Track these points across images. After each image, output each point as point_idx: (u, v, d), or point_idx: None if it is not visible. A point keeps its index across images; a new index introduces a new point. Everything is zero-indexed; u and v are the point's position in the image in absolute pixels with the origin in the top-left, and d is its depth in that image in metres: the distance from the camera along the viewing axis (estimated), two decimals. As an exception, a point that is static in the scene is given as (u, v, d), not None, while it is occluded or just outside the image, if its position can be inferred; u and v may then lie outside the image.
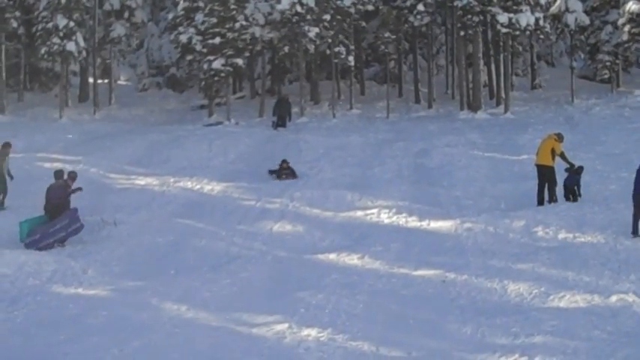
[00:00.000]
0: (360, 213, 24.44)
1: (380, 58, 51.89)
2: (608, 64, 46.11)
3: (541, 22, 42.45)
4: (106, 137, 38.19)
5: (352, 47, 44.90)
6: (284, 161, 29.78)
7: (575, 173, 23.92)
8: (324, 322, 15.24)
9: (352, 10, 44.36)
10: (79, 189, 23.15)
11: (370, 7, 46.40)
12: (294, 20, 42.70)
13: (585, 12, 45.19)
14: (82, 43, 44.76)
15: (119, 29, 49.64)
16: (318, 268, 19.34)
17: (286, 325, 15.10)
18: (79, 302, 17.36)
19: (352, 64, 44.80)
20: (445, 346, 14.05)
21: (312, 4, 42.23)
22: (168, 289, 18.04)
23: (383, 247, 20.75)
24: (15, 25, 46.17)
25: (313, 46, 43.79)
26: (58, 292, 18.26)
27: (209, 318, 16.01)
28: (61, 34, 43.82)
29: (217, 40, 42.12)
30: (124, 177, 30.10)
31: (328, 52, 44.93)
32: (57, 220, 22.24)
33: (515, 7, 41.73)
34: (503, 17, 41.63)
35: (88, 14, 47.87)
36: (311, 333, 14.67)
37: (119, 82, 56.73)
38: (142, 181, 29.31)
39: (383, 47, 46.52)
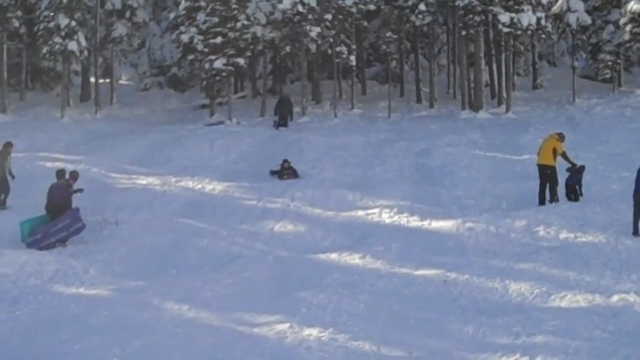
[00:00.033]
0: (361, 213, 24.44)
1: (381, 57, 51.99)
2: (609, 63, 46.17)
3: (543, 22, 42.48)
4: (108, 137, 38.21)
5: (354, 47, 44.91)
6: (285, 161, 29.77)
7: (576, 172, 23.92)
8: (325, 322, 15.23)
9: (354, 10, 44.37)
10: (80, 190, 23.15)
11: (372, 7, 46.45)
12: (295, 20, 42.71)
13: (587, 11, 45.19)
14: (83, 43, 44.79)
15: (121, 29, 49.70)
16: (320, 267, 19.34)
17: (288, 324, 15.09)
18: (80, 302, 17.36)
19: (354, 63, 44.84)
20: (446, 346, 14.05)
21: (313, 3, 42.24)
22: (169, 288, 18.04)
23: (384, 247, 20.74)
24: (17, 24, 46.24)
25: (315, 46, 43.82)
26: (60, 291, 18.26)
27: (210, 318, 16.01)
28: (63, 33, 43.86)
29: (219, 39, 42.14)
30: (125, 176, 30.10)
31: (330, 51, 44.98)
32: (59, 219, 22.24)
33: (516, 7, 41.75)
34: (504, 17, 41.64)
35: (89, 14, 47.93)
36: (312, 333, 14.66)
37: (121, 81, 56.78)
38: (143, 181, 29.32)
39: (384, 47, 46.60)
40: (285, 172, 29.34)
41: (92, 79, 50.07)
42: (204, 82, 43.87)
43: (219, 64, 42.07)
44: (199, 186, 28.51)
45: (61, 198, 22.69)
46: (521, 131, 36.17)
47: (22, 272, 19.22)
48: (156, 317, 15.97)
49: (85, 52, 45.63)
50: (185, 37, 43.17)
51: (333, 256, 20.26)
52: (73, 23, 44.17)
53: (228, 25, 42.47)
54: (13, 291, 18.16)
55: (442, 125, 39.65)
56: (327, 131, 38.80)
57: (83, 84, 51.92)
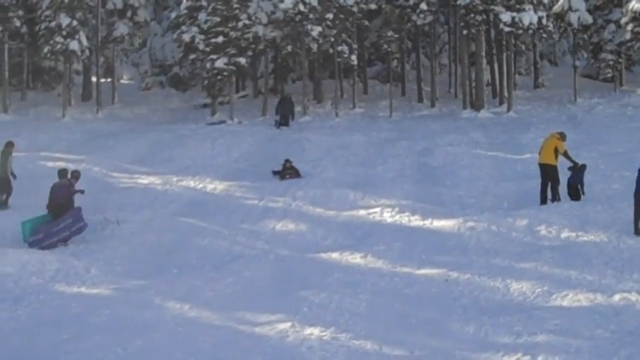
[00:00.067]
0: (362, 212, 24.44)
1: (383, 56, 52.01)
2: (611, 62, 46.16)
3: (544, 21, 42.47)
4: (109, 136, 38.22)
5: (355, 46, 44.87)
6: (287, 161, 29.75)
7: (578, 171, 23.91)
8: (326, 321, 15.23)
9: (355, 9, 44.33)
10: (81, 191, 23.16)
11: (373, 6, 46.46)
12: (297, 19, 42.68)
13: (588, 11, 45.20)
14: (84, 42, 44.79)
15: (122, 28, 49.68)
16: (321, 267, 19.34)
17: (289, 323, 15.09)
18: (81, 301, 17.37)
19: (355, 63, 44.81)
20: (448, 345, 14.04)
21: (314, 3, 42.21)
22: (171, 288, 18.05)
23: (386, 246, 20.74)
24: (18, 24, 46.19)
25: (316, 45, 43.83)
26: (61, 291, 18.27)
27: (212, 317, 16.01)
28: (64, 33, 43.86)
29: (220, 39, 42.14)
30: (126, 176, 30.11)
31: (331, 51, 44.93)
32: (61, 219, 22.26)
33: (518, 6, 41.72)
34: (506, 16, 41.62)
35: (90, 13, 47.95)
36: (314, 332, 14.66)
37: (122, 81, 56.71)
38: (144, 180, 29.33)
39: (386, 46, 46.63)
40: (287, 171, 29.34)
41: (93, 79, 50.01)
42: (206, 82, 43.90)
43: (220, 63, 42.08)
44: (201, 185, 28.52)
45: (63, 197, 22.72)
46: (522, 130, 36.19)
47: (24, 271, 19.23)
48: (157, 316, 15.97)
49: (87, 52, 45.62)
50: (186, 37, 43.18)
51: (335, 255, 20.26)
52: (75, 23, 44.16)
53: (230, 25, 42.47)
54: (15, 290, 18.17)
55: (443, 124, 39.65)
56: (329, 130, 38.80)
57: (84, 83, 51.87)
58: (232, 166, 31.85)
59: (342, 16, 43.74)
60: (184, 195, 27.45)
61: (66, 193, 22.85)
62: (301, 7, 42.08)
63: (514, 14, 41.59)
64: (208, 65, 42.39)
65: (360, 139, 35.96)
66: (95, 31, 48.49)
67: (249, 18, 43.06)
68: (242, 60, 42.78)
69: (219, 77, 42.73)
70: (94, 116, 44.88)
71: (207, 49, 42.43)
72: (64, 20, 43.83)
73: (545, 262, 18.42)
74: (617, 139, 32.84)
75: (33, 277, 19.00)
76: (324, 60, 49.14)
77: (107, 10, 49.73)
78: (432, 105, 45.92)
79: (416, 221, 23.17)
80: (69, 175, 23.50)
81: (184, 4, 44.34)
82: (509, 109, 42.21)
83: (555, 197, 23.62)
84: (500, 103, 44.64)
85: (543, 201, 23.58)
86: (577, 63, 46.59)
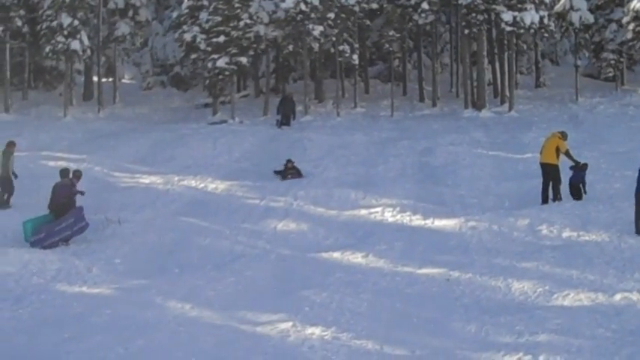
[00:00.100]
0: (364, 211, 24.44)
1: (384, 56, 52.01)
2: (612, 62, 46.13)
3: (545, 21, 42.46)
4: (111, 136, 38.23)
5: (356, 46, 44.88)
6: (289, 161, 29.73)
7: (579, 170, 23.89)
8: (328, 321, 15.22)
9: (356, 9, 44.32)
10: (81, 192, 23.17)
11: (374, 6, 46.46)
12: (298, 19, 42.69)
13: (590, 10, 45.18)
14: (86, 42, 44.82)
15: (123, 28, 49.71)
16: (322, 266, 19.34)
17: (290, 323, 15.08)
18: (83, 301, 17.38)
19: (356, 62, 44.84)
20: (449, 345, 14.04)
21: (316, 2, 42.21)
22: (172, 287, 18.05)
23: (387, 246, 20.74)
24: (19, 23, 46.19)
25: (317, 45, 43.85)
26: (63, 290, 18.28)
27: (213, 316, 16.01)
28: (66, 32, 43.88)
29: (222, 38, 42.14)
30: (128, 175, 30.13)
31: (332, 50, 44.92)
32: (62, 218, 22.29)
33: (519, 6, 41.71)
34: (507, 15, 41.60)
35: (92, 13, 47.96)
36: (315, 331, 14.66)
37: (123, 80, 56.69)
38: (146, 180, 29.34)
39: (387, 46, 46.63)
40: (289, 171, 29.33)
41: (95, 78, 50.03)
42: (207, 81, 43.91)
43: (221, 63, 42.09)
44: (202, 185, 28.54)
45: (64, 197, 22.75)
46: (523, 130, 36.19)
47: (25, 271, 19.24)
48: (158, 316, 15.97)
49: (88, 51, 45.65)
50: (188, 36, 43.17)
51: (336, 254, 20.26)
52: (76, 22, 44.18)
53: (231, 24, 42.47)
54: (16, 290, 18.17)
55: (445, 124, 39.65)
56: (330, 130, 38.80)
57: (86, 83, 51.89)
58: (233, 165, 31.86)
59: (343, 15, 43.74)
60: (186, 194, 27.46)
61: (67, 192, 22.88)
62: (303, 7, 42.08)
63: (515, 14, 41.57)
64: (210, 65, 42.40)
65: (362, 139, 35.96)
66: (96, 31, 48.51)
67: (250, 17, 43.06)
68: (243, 59, 42.78)
69: (220, 77, 42.75)
70: (95, 116, 44.88)
71: (209, 49, 42.43)
72: (66, 20, 43.85)
73: (547, 262, 18.41)
74: (619, 139, 32.83)
75: (34, 276, 19.00)
76: (326, 59, 49.13)
77: (108, 9, 49.75)
78: (434, 104, 45.91)
79: (417, 221, 23.17)
80: (70, 175, 23.52)
81: (186, 3, 44.32)
82: (510, 109, 42.21)
83: (557, 197, 23.62)
84: (502, 102, 44.65)
85: (545, 200, 23.58)
86: (578, 62, 46.63)
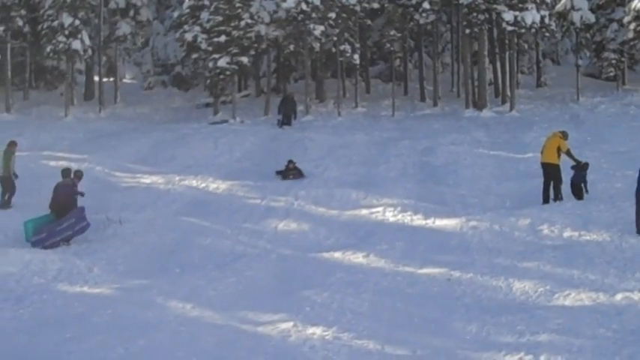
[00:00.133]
0: (365, 211, 24.44)
1: (385, 56, 52.04)
2: (613, 62, 46.11)
3: (546, 20, 42.44)
4: (112, 135, 38.24)
5: (357, 45, 44.89)
6: (290, 161, 29.70)
7: (581, 170, 23.89)
8: (329, 321, 15.22)
9: (357, 8, 44.33)
10: (82, 193, 23.17)
11: (375, 5, 46.50)
12: (299, 18, 42.69)
13: (591, 10, 45.16)
14: (87, 42, 44.82)
15: (124, 27, 49.72)
16: (323, 266, 19.34)
17: (291, 323, 15.08)
18: (84, 301, 17.38)
19: (357, 62, 44.83)
20: (450, 345, 14.04)
21: (317, 2, 42.20)
22: (173, 287, 18.05)
23: (388, 246, 20.74)
24: (20, 23, 46.22)
25: (318, 45, 43.84)
26: (64, 290, 18.28)
27: (214, 316, 16.01)
28: (67, 32, 43.88)
29: (223, 38, 42.14)
30: (129, 175, 30.14)
31: (334, 50, 44.91)
32: (64, 218, 22.29)
33: (520, 5, 41.71)
34: (508, 15, 41.60)
35: (93, 12, 47.93)
36: (316, 331, 14.65)
37: (124, 80, 56.75)
38: (147, 180, 29.35)
39: (388, 45, 46.66)
40: (291, 172, 29.30)
41: (96, 78, 50.06)
42: (208, 81, 43.91)
43: (223, 62, 42.08)
44: (203, 185, 28.54)
45: (66, 197, 22.75)
46: (525, 129, 36.19)
47: (26, 271, 19.23)
48: (159, 316, 15.97)
49: (89, 51, 45.66)
50: (189, 36, 43.15)
51: (337, 254, 20.26)
52: (77, 22, 44.18)
53: (232, 24, 42.47)
54: (17, 290, 18.17)
55: (446, 124, 39.65)
56: (331, 130, 38.80)
57: (87, 83, 51.92)
58: (235, 165, 31.87)
59: (344, 15, 43.73)
60: (187, 194, 27.46)
61: (69, 192, 22.88)
62: (304, 7, 42.07)
63: (517, 13, 41.57)
64: (211, 64, 42.39)
65: (363, 139, 35.96)
66: (98, 31, 48.52)
67: (251, 17, 43.05)
68: (244, 59, 42.78)
69: (221, 76, 42.75)
70: (96, 116, 44.89)
71: (210, 49, 42.43)
72: (67, 19, 43.86)
73: (548, 262, 18.40)
74: (620, 138, 32.83)
75: (35, 276, 19.00)
76: (327, 59, 49.13)
77: (109, 9, 49.77)
78: (435, 104, 45.90)
79: (418, 220, 23.18)
80: (72, 175, 23.53)
81: (187, 3, 44.27)
82: (511, 108, 42.20)
83: (558, 196, 23.62)
84: (503, 102, 44.65)
85: (546, 200, 23.58)
86: (579, 62, 46.62)
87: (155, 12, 57.44)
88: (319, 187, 27.51)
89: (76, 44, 43.94)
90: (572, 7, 44.02)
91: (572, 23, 44.49)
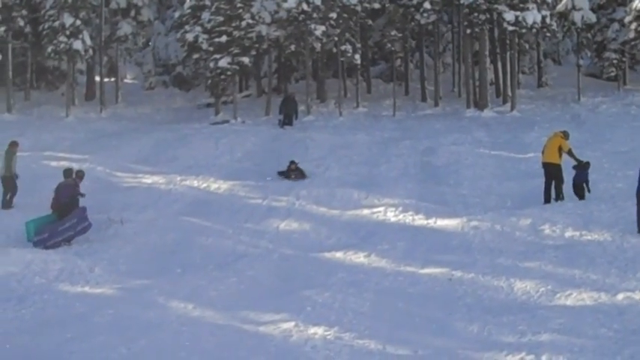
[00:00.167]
0: (366, 211, 24.44)
1: (386, 56, 52.05)
2: (614, 61, 46.11)
3: (547, 20, 42.43)
4: (113, 136, 38.25)
5: (358, 45, 44.90)
6: (292, 162, 29.65)
7: (582, 169, 23.88)
8: (330, 321, 15.22)
9: (359, 8, 44.33)
10: (82, 194, 23.17)
11: (376, 5, 46.50)
12: (300, 18, 42.70)
13: (592, 10, 45.19)
14: (88, 42, 44.86)
15: (126, 28, 49.75)
16: (325, 266, 19.34)
17: (293, 323, 15.08)
18: (85, 301, 17.38)
19: (358, 62, 44.82)
20: (451, 345, 14.03)
21: (318, 2, 42.21)
22: (174, 287, 18.05)
23: (389, 246, 20.74)
24: (21, 23, 46.24)
25: (319, 45, 43.85)
26: (65, 290, 18.28)
27: (215, 316, 16.01)
28: (68, 32, 43.92)
29: (224, 38, 42.15)
30: (130, 175, 30.14)
31: (335, 50, 44.91)
32: (66, 218, 22.31)
33: (521, 5, 41.72)
34: (509, 15, 41.61)
35: (94, 13, 48.00)
36: (318, 331, 14.65)
37: (126, 80, 56.79)
38: (148, 180, 29.35)
39: (389, 45, 46.65)
40: (293, 173, 29.25)
41: (97, 78, 50.12)
42: (209, 81, 43.92)
43: (224, 62, 42.09)
44: (204, 185, 28.54)
45: (68, 197, 22.75)
46: (526, 129, 36.19)
47: (28, 271, 19.24)
48: (161, 316, 15.97)
49: (90, 51, 45.71)
50: (190, 36, 43.16)
51: (339, 254, 20.26)
52: (78, 22, 44.23)
53: (233, 24, 42.48)
54: (19, 290, 18.18)
55: (447, 124, 39.65)
56: (332, 130, 38.80)
57: (88, 83, 51.98)
58: (236, 165, 31.87)
59: (345, 15, 43.75)
60: (188, 194, 27.46)
61: (71, 192, 22.89)
62: (305, 7, 42.08)
63: (518, 13, 41.59)
64: (212, 65, 42.40)
65: (364, 139, 35.96)
66: (99, 31, 48.56)
67: (252, 17, 43.08)
68: (245, 59, 42.78)
69: (222, 77, 42.76)
70: (97, 116, 44.91)
71: (211, 49, 42.44)
72: (68, 20, 43.89)
73: (549, 262, 18.40)
74: (621, 138, 32.83)
75: (37, 276, 19.01)
76: (328, 59, 49.15)
77: (111, 9, 49.82)
78: (436, 104, 45.90)
79: (419, 220, 23.18)
80: (74, 175, 23.54)
81: (188, 3, 44.29)
82: (512, 108, 42.20)
83: (559, 196, 23.61)
84: (504, 102, 44.66)
85: (547, 200, 23.58)
86: (581, 62, 46.62)
87: (156, 12, 57.47)
88: (321, 187, 27.51)
89: (77, 44, 43.97)
90: (574, 7, 44.02)
91: (574, 23, 44.49)
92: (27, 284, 18.52)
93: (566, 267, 17.94)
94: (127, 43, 50.98)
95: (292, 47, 45.49)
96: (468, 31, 43.76)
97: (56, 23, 44.25)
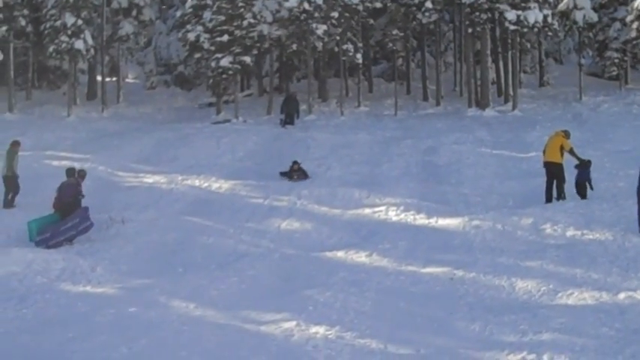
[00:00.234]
0: (368, 210, 24.44)
1: (388, 55, 52.04)
2: (616, 61, 46.11)
3: (549, 19, 42.42)
4: (114, 135, 38.27)
5: (360, 45, 44.94)
6: (295, 162, 29.59)
7: (584, 168, 23.86)
8: (332, 320, 15.21)
9: (360, 8, 44.37)
10: (82, 195, 23.17)
11: (378, 5, 46.52)
12: (302, 18, 42.72)
13: (594, 9, 45.19)
14: (90, 41, 44.89)
15: (127, 27, 49.79)
16: (326, 265, 19.33)
17: (294, 322, 15.07)
18: (87, 300, 17.37)
19: (360, 61, 44.83)
20: (453, 344, 14.02)
21: (320, 1, 42.23)
22: (176, 287, 18.04)
23: (391, 245, 20.73)
24: (23, 23, 46.30)
25: (321, 44, 43.86)
26: (67, 290, 18.28)
27: (217, 316, 16.00)
28: (69, 32, 43.96)
29: (225, 37, 42.18)
30: (132, 175, 30.15)
31: (336, 49, 44.96)
32: (68, 218, 22.32)
33: (523, 4, 41.75)
34: (511, 14, 41.62)
35: (96, 12, 48.05)
36: (319, 331, 14.64)
37: (127, 80, 56.82)
38: (149, 179, 29.36)
39: (391, 44, 46.63)
40: (295, 173, 29.21)
41: (99, 78, 50.18)
42: (211, 81, 44.00)
43: (225, 62, 42.11)
44: (206, 184, 28.54)
45: (70, 196, 22.76)
46: (527, 129, 36.20)
47: (29, 270, 19.23)
48: (162, 315, 15.96)
49: (92, 51, 45.76)
50: (191, 36, 43.20)
51: (340, 254, 20.26)
52: (80, 22, 44.27)
53: (235, 24, 42.51)
54: (21, 289, 18.17)
55: (449, 123, 39.65)
56: (334, 129, 38.81)
57: (90, 82, 52.01)
58: (237, 164, 31.88)
59: (347, 14, 43.78)
60: (189, 194, 27.47)
61: (73, 192, 22.91)
62: (306, 6, 42.11)
63: (519, 12, 41.60)
64: (213, 64, 42.42)
65: (365, 138, 35.96)
66: (100, 30, 48.59)
67: (254, 17, 43.11)
68: (247, 59, 42.80)
69: (224, 76, 42.78)
70: (99, 115, 44.94)
71: (212, 48, 42.47)
72: (69, 19, 43.94)
73: (551, 261, 18.39)
74: (623, 137, 32.84)
75: (38, 276, 19.00)
76: (329, 58, 49.17)
77: (112, 9, 49.86)
78: (437, 103, 45.92)
79: (421, 220, 23.17)
80: (76, 175, 23.56)
81: (189, 2, 44.33)
82: (514, 108, 42.20)
83: (561, 195, 23.60)
84: (506, 101, 44.66)
85: (548, 199, 23.57)
86: (582, 61, 46.65)
87: (158, 11, 57.54)
88: (322, 186, 27.51)
89: (79, 44, 44.02)
90: (575, 6, 44.03)
91: (575, 22, 44.48)
92: (28, 284, 18.51)
93: (567, 266, 17.93)
94: (128, 42, 51.05)
95: (294, 46, 45.53)
96: (470, 30, 43.77)
97: (58, 23, 44.32)
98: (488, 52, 44.89)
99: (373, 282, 17.85)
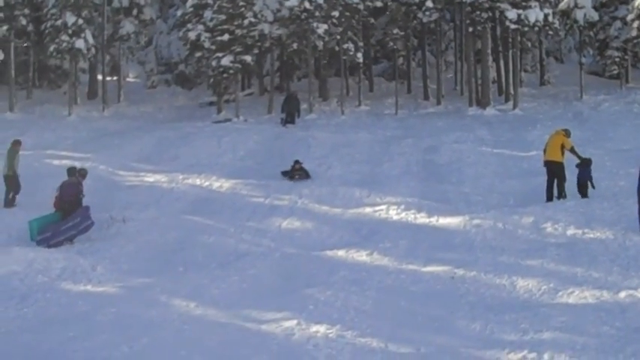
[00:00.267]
0: (368, 209, 24.44)
1: (388, 54, 52.01)
2: (617, 59, 46.09)
3: (550, 18, 42.40)
4: (115, 134, 38.26)
5: (361, 44, 44.94)
6: (296, 162, 29.52)
7: (585, 166, 23.86)
8: (333, 319, 15.21)
9: (361, 7, 44.40)
10: (83, 195, 23.17)
11: (379, 4, 46.56)
12: (302, 17, 42.72)
13: (594, 8, 45.15)
14: (90, 41, 44.89)
15: (128, 26, 49.78)
16: (327, 264, 19.33)
17: (295, 321, 15.07)
18: (88, 299, 17.38)
19: (361, 60, 44.83)
20: (454, 342, 14.02)
21: (320, 0, 42.22)
22: (177, 286, 18.05)
23: (392, 244, 20.73)
24: (24, 22, 46.31)
25: (322, 43, 43.82)
26: (68, 289, 18.29)
27: (218, 315, 16.01)
28: (70, 31, 43.96)
29: (226, 36, 42.18)
30: (132, 174, 30.15)
31: (337, 48, 44.96)
32: (69, 217, 22.33)
33: (524, 3, 41.72)
34: (512, 13, 41.61)
35: (96, 11, 48.03)
36: (320, 329, 14.64)
37: (128, 79, 56.80)
38: (150, 178, 29.36)
39: (391, 44, 46.59)
40: (297, 173, 29.15)
41: (99, 77, 50.17)
42: (212, 80, 44.01)
43: (226, 61, 42.11)
44: (207, 183, 28.54)
45: (72, 196, 22.77)
46: (528, 128, 36.19)
47: (30, 270, 19.25)
48: (163, 314, 15.97)
49: (93, 50, 45.74)
50: (192, 35, 43.21)
51: (341, 252, 20.25)
52: (80, 21, 44.27)
53: (235, 23, 42.51)
54: (21, 288, 18.19)
55: (449, 122, 39.64)
56: (335, 128, 38.81)
57: (90, 82, 51.98)
58: (238, 164, 31.87)
59: (347, 13, 43.78)
60: (190, 193, 27.47)
61: (75, 191, 22.91)
62: (307, 5, 42.13)
63: (520, 11, 41.57)
64: (214, 63, 42.42)
65: (366, 137, 35.95)
66: (101, 30, 48.58)
67: (254, 16, 43.10)
68: (248, 58, 42.80)
69: (224, 75, 42.78)
70: (99, 114, 44.95)
71: (213, 47, 42.48)
72: (70, 19, 43.94)
73: (551, 260, 18.39)
74: (624, 136, 32.82)
75: (39, 275, 19.01)
76: (330, 58, 49.12)
77: (113, 8, 49.84)
78: (438, 102, 45.90)
79: (422, 219, 23.18)
80: (77, 174, 23.58)
81: (190, 2, 44.31)
82: (515, 107, 42.18)
83: (562, 194, 23.60)
84: (506, 100, 44.62)
85: (549, 198, 23.57)
86: (583, 60, 46.60)
87: (158, 11, 57.57)
88: (323, 185, 27.52)
89: (80, 43, 44.03)
90: (576, 5, 44.00)
91: (576, 21, 44.45)
92: (29, 283, 18.53)
93: (568, 265, 17.93)
94: (129, 41, 51.07)
95: (294, 46, 45.47)
96: (471, 29, 43.76)
97: (58, 22, 44.33)
98: (489, 51, 44.90)
99: (374, 281, 17.85)
